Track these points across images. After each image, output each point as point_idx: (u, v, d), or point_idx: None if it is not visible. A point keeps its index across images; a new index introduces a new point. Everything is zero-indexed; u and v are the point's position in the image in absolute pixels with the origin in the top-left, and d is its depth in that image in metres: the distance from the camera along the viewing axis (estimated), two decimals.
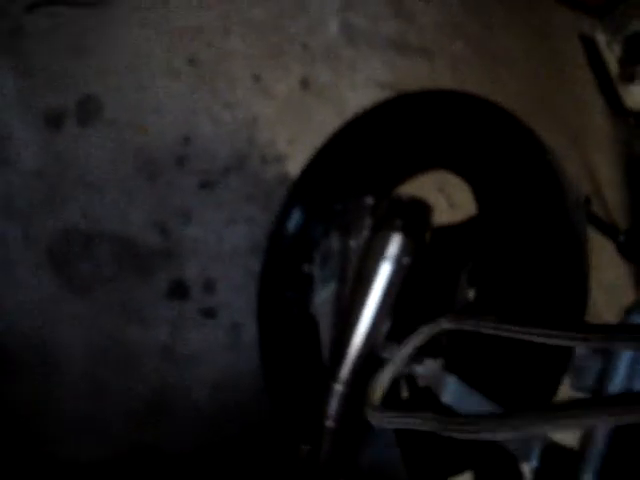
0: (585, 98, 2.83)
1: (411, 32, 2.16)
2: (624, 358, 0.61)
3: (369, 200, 0.89)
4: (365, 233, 0.85)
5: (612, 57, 2.84)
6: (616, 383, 0.61)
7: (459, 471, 0.83)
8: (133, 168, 1.39)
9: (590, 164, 2.58)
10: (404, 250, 0.78)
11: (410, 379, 0.83)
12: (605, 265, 2.21)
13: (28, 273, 1.26)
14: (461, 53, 2.28)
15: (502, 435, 0.52)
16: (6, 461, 1.10)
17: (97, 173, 1.36)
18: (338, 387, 0.81)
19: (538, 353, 0.73)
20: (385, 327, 0.82)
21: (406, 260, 0.78)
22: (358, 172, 1.13)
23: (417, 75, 2.06)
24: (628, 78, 2.77)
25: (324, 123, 1.24)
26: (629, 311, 0.61)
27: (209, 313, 1.36)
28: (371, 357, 0.81)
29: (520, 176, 0.86)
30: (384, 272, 0.78)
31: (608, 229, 2.20)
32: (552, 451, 0.66)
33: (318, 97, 1.76)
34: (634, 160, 2.79)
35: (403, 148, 1.09)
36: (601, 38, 2.85)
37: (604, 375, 0.62)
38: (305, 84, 1.75)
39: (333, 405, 0.81)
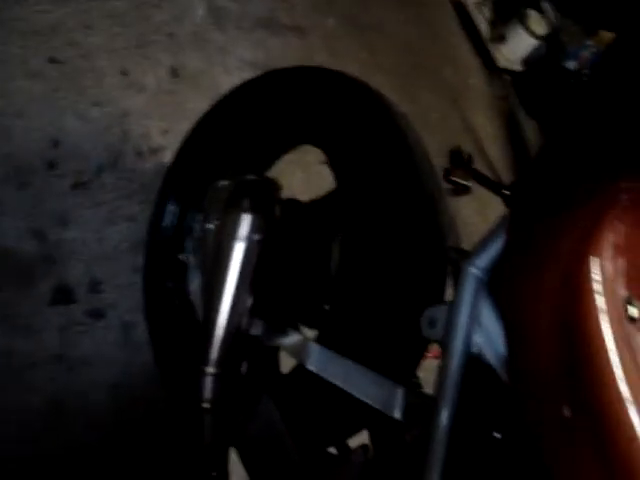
0: (462, 60, 2.93)
1: (281, 10, 2.17)
2: (464, 311, 0.65)
3: (223, 182, 0.90)
4: (218, 215, 0.86)
5: (482, 19, 2.94)
6: (459, 332, 0.66)
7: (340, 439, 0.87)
8: (1, 178, 1.34)
9: (471, 122, 2.68)
10: (254, 228, 0.80)
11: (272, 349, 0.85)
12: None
13: None
14: (334, 29, 2.31)
15: None
16: None
17: None
18: (210, 369, 0.82)
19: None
20: (248, 304, 0.84)
21: (257, 237, 0.80)
22: (224, 155, 1.14)
23: (290, 53, 2.07)
24: (499, 39, 2.88)
25: (198, 110, 1.23)
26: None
27: (97, 314, 1.34)
28: (238, 335, 0.83)
29: (370, 144, 0.89)
30: (238, 252, 0.80)
31: (492, 184, 2.31)
32: (412, 402, 0.70)
33: (190, 85, 1.75)
34: (512, 115, 2.92)
35: (265, 126, 1.10)
36: (470, 2, 2.95)
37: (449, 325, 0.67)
38: (175, 73, 1.73)
39: (207, 387, 0.82)
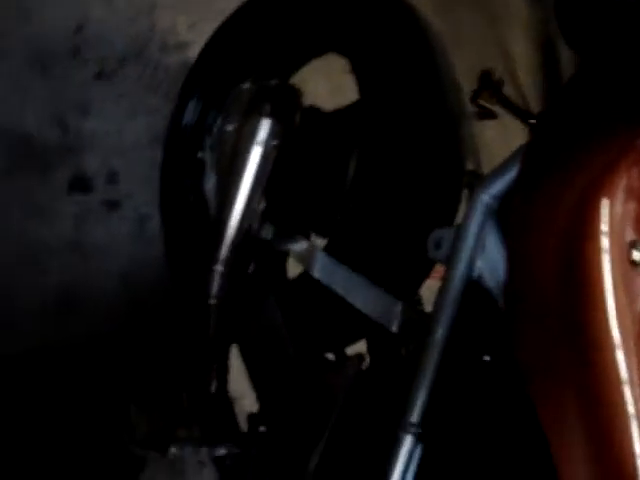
0: None
1: None
2: (470, 236, 0.66)
3: (246, 85, 0.90)
4: (238, 118, 0.86)
5: None
6: (462, 255, 0.67)
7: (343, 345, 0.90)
8: (23, 60, 1.33)
9: (507, 45, 2.60)
10: (273, 134, 0.81)
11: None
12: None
13: None
14: None
15: None
16: None
17: None
18: (218, 267, 0.85)
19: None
20: (260, 208, 0.85)
21: (275, 142, 0.81)
22: (250, 57, 1.13)
23: None
24: None
25: (227, 8, 1.21)
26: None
27: (113, 205, 1.36)
28: (248, 237, 0.85)
29: (395, 57, 0.88)
30: (255, 155, 0.81)
31: (520, 112, 2.27)
32: (410, 318, 0.73)
33: None
34: (550, 42, 2.82)
35: (292, 30, 1.09)
36: None
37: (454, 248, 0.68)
38: None
39: (215, 285, 0.85)
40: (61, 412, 1.18)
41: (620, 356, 0.50)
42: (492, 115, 2.20)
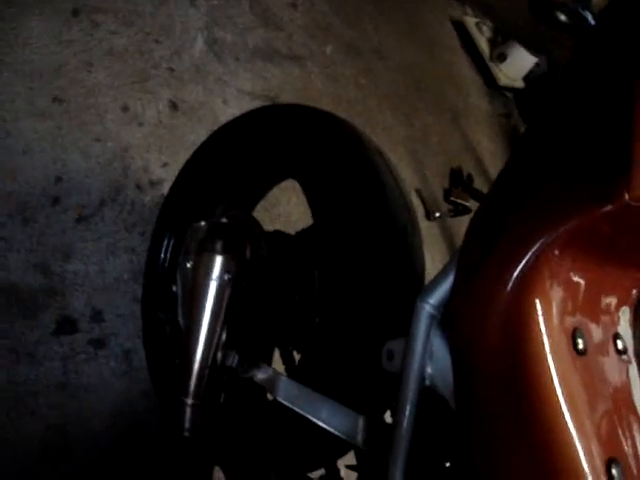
0: (462, 80, 2.97)
1: (279, 39, 2.24)
2: (418, 346, 0.69)
3: (200, 224, 0.95)
4: (194, 255, 0.91)
5: (483, 39, 2.99)
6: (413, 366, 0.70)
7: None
8: (6, 214, 1.41)
9: (472, 142, 2.72)
10: (225, 269, 0.85)
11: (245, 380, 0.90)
12: None
13: None
14: (332, 55, 2.37)
15: None
16: None
17: None
18: (188, 400, 0.87)
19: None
20: (222, 338, 0.89)
21: (228, 277, 0.85)
22: (215, 189, 1.19)
23: (289, 82, 2.13)
24: (499, 58, 2.92)
25: (197, 142, 1.29)
26: None
27: (99, 343, 1.40)
28: (214, 367, 0.88)
29: (341, 179, 0.94)
30: (211, 291, 0.85)
31: None
32: (373, 431, 0.74)
33: (189, 117, 1.82)
34: (514, 132, 2.95)
35: (250, 160, 1.15)
36: (470, 21, 2.99)
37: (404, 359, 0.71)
38: (174, 106, 1.80)
39: (187, 417, 0.87)
40: None
41: (579, 449, 0.50)
42: (467, 210, 2.28)
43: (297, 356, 1.01)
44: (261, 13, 2.25)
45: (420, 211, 2.24)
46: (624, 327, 0.65)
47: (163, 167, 1.66)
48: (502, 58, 2.93)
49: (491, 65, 2.94)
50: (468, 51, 3.02)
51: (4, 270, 1.36)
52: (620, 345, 0.60)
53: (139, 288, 1.38)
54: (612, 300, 0.63)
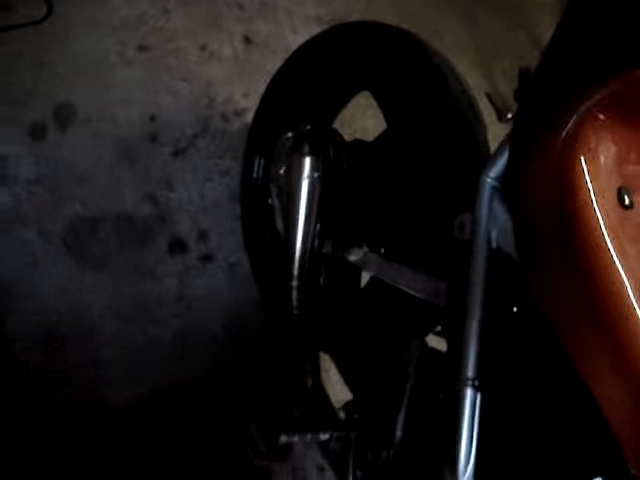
0: None
1: None
2: (484, 215, 0.81)
3: (287, 135, 1.09)
4: (286, 161, 1.06)
5: None
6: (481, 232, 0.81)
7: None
8: (114, 156, 1.60)
9: (539, 38, 2.68)
10: (314, 168, 0.99)
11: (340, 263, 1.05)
12: None
13: (51, 263, 1.50)
14: None
15: None
16: (62, 413, 1.37)
17: (85, 167, 1.58)
18: (293, 282, 1.03)
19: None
20: (317, 228, 1.04)
21: (317, 174, 0.99)
22: (296, 108, 1.32)
23: (353, 3, 2.19)
24: None
25: (273, 71, 1.42)
26: None
27: (208, 259, 1.59)
28: (312, 254, 1.04)
29: (409, 86, 1.05)
30: (304, 188, 1.00)
31: None
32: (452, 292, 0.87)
33: (263, 49, 1.93)
34: None
35: (326, 77, 1.27)
36: None
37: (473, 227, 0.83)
38: (248, 41, 1.92)
39: (294, 298, 1.03)
40: (192, 439, 1.39)
41: (628, 292, 0.57)
42: None
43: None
44: None
45: (492, 114, 2.29)
46: None
47: (244, 97, 1.79)
48: None
49: None
50: None
51: (120, 203, 1.56)
52: None
53: (237, 207, 1.54)
54: None
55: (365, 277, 1.16)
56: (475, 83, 2.24)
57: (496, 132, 1.11)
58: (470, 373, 0.80)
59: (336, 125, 1.39)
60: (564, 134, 0.63)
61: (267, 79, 1.42)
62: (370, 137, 1.19)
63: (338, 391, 1.18)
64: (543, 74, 0.75)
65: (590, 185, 0.61)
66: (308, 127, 1.05)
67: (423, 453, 0.87)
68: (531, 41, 2.61)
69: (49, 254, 1.51)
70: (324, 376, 1.19)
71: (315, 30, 2.02)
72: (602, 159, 0.64)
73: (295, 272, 1.04)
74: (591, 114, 0.61)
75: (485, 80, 2.37)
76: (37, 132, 1.57)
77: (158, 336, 1.49)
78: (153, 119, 1.65)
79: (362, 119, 1.85)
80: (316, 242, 1.05)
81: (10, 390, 1.36)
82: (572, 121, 0.61)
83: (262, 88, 1.44)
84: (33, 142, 1.55)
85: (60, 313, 1.45)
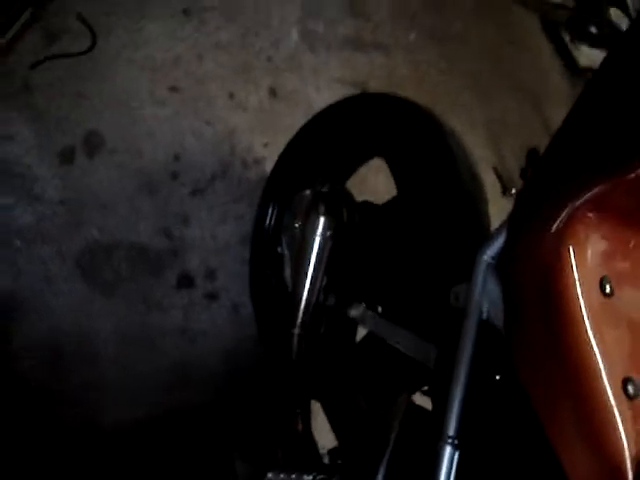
0: (543, 63, 3.05)
1: (367, 29, 2.41)
2: (478, 288, 0.89)
3: (306, 192, 1.18)
4: (301, 217, 1.15)
5: (564, 20, 3.05)
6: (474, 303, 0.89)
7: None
8: (136, 187, 1.69)
9: (551, 124, 2.81)
10: (327, 227, 1.08)
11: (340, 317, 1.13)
12: None
13: (64, 283, 1.57)
14: (415, 42, 2.53)
15: None
16: (61, 433, 1.42)
17: (107, 195, 1.66)
18: (296, 330, 1.11)
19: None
20: (323, 282, 1.12)
21: (329, 233, 1.08)
22: (312, 166, 1.41)
23: (375, 70, 2.32)
24: (579, 40, 2.98)
25: (294, 125, 1.50)
26: None
27: (213, 297, 1.67)
28: (316, 305, 1.11)
29: (419, 157, 1.14)
30: (316, 245, 1.08)
31: None
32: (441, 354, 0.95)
33: (287, 103, 2.04)
34: None
35: (346, 143, 1.37)
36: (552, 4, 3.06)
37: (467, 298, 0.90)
38: (273, 93, 2.03)
39: (295, 345, 1.11)
40: (182, 466, 1.44)
41: (600, 367, 0.62)
42: None
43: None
44: (349, 4, 2.43)
45: (497, 188, 2.39)
46: None
47: (265, 147, 1.89)
48: (581, 39, 2.97)
49: (571, 47, 3.00)
50: (549, 34, 3.08)
51: (136, 233, 1.64)
52: None
53: (246, 251, 1.61)
54: None
55: (361, 332, 1.24)
56: (483, 156, 2.36)
57: (499, 205, 1.20)
58: (451, 432, 0.86)
59: (349, 184, 1.49)
60: (556, 226, 0.70)
61: (287, 131, 1.51)
62: (380, 198, 1.28)
63: (323, 438, 1.23)
64: (543, 165, 0.84)
65: (575, 273, 0.66)
66: (325, 188, 1.14)
67: None
68: (542, 122, 2.73)
69: (63, 274, 1.58)
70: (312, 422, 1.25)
71: (337, 89, 2.16)
72: (589, 251, 0.70)
73: (298, 320, 1.11)
74: (581, 210, 0.67)
75: (493, 154, 2.48)
76: (66, 156, 1.66)
77: (159, 365, 1.55)
78: (177, 158, 1.74)
79: (374, 181, 1.95)
80: (321, 295, 1.13)
81: (13, 406, 1.42)
82: (563, 215, 0.67)
83: (282, 139, 1.53)
84: (62, 165, 1.64)
85: (68, 333, 1.52)
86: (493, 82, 2.73)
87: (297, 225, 1.17)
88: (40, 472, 1.40)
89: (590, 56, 2.96)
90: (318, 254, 1.09)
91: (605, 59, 0.78)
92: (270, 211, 1.47)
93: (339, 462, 1.06)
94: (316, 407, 1.24)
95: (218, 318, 1.65)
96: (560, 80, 3.00)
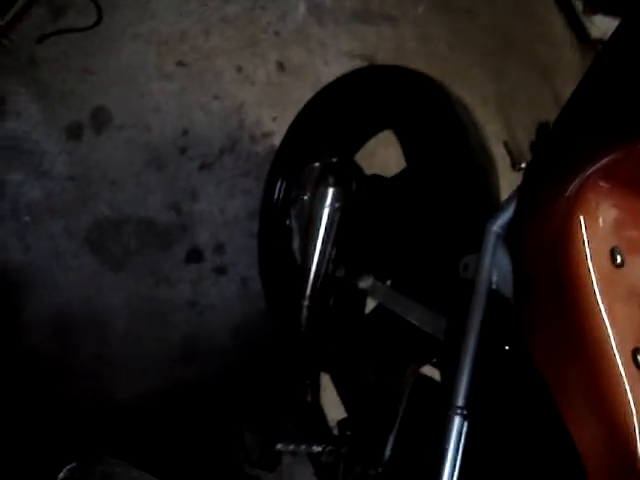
0: (554, 36, 3.00)
1: (374, 2, 2.39)
2: (487, 258, 0.88)
3: (314, 165, 1.17)
4: (311, 189, 1.14)
5: None
6: (483, 274, 0.89)
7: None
8: (144, 162, 1.68)
9: (562, 95, 2.77)
10: (336, 198, 1.07)
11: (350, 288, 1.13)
12: None
13: (73, 259, 1.58)
14: (424, 15, 2.50)
15: None
16: (72, 406, 1.44)
17: (116, 171, 1.66)
18: (305, 302, 1.11)
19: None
20: (332, 254, 1.11)
21: (338, 205, 1.07)
22: (322, 139, 1.40)
23: (383, 42, 2.29)
24: (592, 10, 2.93)
25: (302, 98, 1.49)
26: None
27: (221, 271, 1.67)
28: (325, 277, 1.11)
29: (428, 128, 1.12)
30: (325, 216, 1.08)
31: None
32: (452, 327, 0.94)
33: (295, 76, 2.02)
34: None
35: (352, 114, 1.35)
36: None
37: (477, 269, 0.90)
38: (281, 67, 2.01)
39: (303, 315, 1.11)
40: (191, 438, 1.46)
41: (610, 337, 0.61)
42: None
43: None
44: None
45: (507, 162, 2.37)
46: None
47: (273, 121, 1.88)
48: (594, 11, 2.93)
49: (584, 18, 2.95)
50: (560, 6, 3.03)
51: (144, 208, 1.64)
52: None
53: (254, 225, 1.61)
54: None
55: (371, 304, 1.24)
56: (494, 130, 2.33)
57: (510, 179, 1.19)
58: (460, 402, 0.86)
59: (358, 157, 1.48)
60: (567, 195, 0.69)
61: (296, 105, 1.50)
62: (389, 172, 1.27)
63: (332, 410, 1.24)
64: (553, 136, 0.82)
65: (586, 243, 0.65)
66: (334, 160, 1.13)
67: (409, 474, 0.94)
68: (553, 96, 2.70)
69: (72, 249, 1.59)
70: (322, 394, 1.26)
71: (345, 63, 2.14)
72: (600, 221, 0.69)
73: (308, 292, 1.11)
74: (592, 179, 0.66)
75: (504, 128, 2.46)
76: (73, 132, 1.66)
77: (168, 338, 1.57)
78: (184, 132, 1.74)
79: (384, 154, 1.93)
80: (330, 267, 1.13)
81: (23, 379, 1.43)
82: (574, 184, 0.67)
83: (290, 113, 1.52)
84: (69, 141, 1.64)
85: (77, 308, 1.53)
86: (503, 56, 2.70)
87: (306, 197, 1.16)
88: (51, 444, 1.41)
89: (602, 27, 2.91)
90: (327, 226, 1.09)
91: (617, 28, 0.77)
92: (279, 184, 1.46)
93: (348, 433, 1.06)
94: (325, 380, 1.24)
95: (227, 292, 1.66)
96: (571, 53, 2.96)
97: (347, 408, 1.14)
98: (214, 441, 1.48)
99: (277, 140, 1.75)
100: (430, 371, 1.06)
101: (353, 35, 2.21)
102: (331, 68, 2.09)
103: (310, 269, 1.10)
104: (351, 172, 1.12)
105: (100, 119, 1.69)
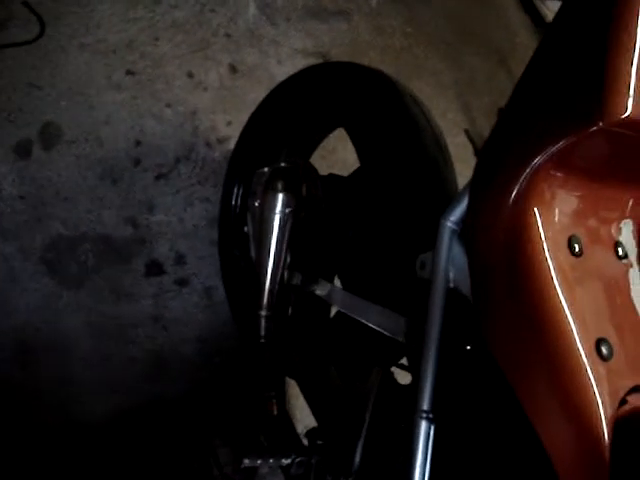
0: (509, 20, 3.01)
1: None
2: (443, 256, 0.86)
3: (264, 170, 1.14)
4: (260, 195, 1.10)
5: None
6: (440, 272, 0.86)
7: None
8: (98, 177, 1.64)
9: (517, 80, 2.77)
10: (286, 204, 1.04)
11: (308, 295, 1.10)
12: None
13: (29, 279, 1.53)
14: (378, 7, 2.48)
15: None
16: (38, 429, 1.39)
17: (69, 187, 1.61)
18: (262, 312, 1.07)
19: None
20: (287, 260, 1.08)
21: (288, 210, 1.04)
22: (275, 141, 1.37)
23: (337, 37, 2.26)
24: None
25: (257, 100, 1.46)
26: None
27: (183, 282, 1.63)
28: (281, 285, 1.08)
29: (383, 127, 1.09)
30: (275, 223, 1.04)
31: None
32: (411, 327, 0.92)
33: (248, 78, 1.99)
34: None
35: (307, 114, 1.32)
36: None
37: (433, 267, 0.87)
38: (234, 69, 1.97)
39: (262, 326, 1.07)
40: (162, 456, 1.42)
41: (572, 328, 0.60)
42: None
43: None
44: None
45: (470, 149, 2.36)
46: (626, 237, 0.76)
47: (228, 125, 1.84)
48: None
49: (538, 3, 2.96)
50: None
51: (100, 224, 1.60)
52: (620, 252, 0.70)
53: (215, 233, 1.58)
54: (610, 213, 0.73)
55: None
56: (454, 119, 2.32)
57: (473, 167, 1.16)
58: (425, 406, 0.84)
59: (318, 155, 1.45)
60: (518, 186, 0.67)
61: (251, 108, 1.47)
62: (349, 170, 1.24)
63: (307, 417, 1.21)
64: (501, 124, 0.80)
65: (542, 234, 0.65)
66: (283, 164, 1.10)
67: None
68: (511, 81, 2.70)
69: (27, 271, 1.54)
70: (295, 402, 1.23)
71: (300, 61, 2.11)
72: (555, 210, 0.68)
73: (264, 302, 1.08)
74: (545, 167, 0.65)
75: (464, 116, 2.45)
76: (22, 150, 1.61)
77: (132, 356, 1.53)
78: (137, 143, 1.70)
79: (343, 151, 1.91)
80: (286, 274, 1.09)
81: None
82: (525, 174, 0.65)
83: (245, 116, 1.49)
84: (18, 160, 1.59)
85: (36, 329, 1.48)
86: (460, 43, 2.69)
87: (256, 204, 1.13)
88: (19, 467, 1.37)
89: (556, 10, 2.90)
90: (279, 232, 1.06)
91: (560, 9, 0.75)
92: (235, 190, 1.43)
93: (318, 442, 1.03)
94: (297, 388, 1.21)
95: (190, 304, 1.62)
96: (528, 37, 2.96)
97: (316, 416, 1.11)
98: (186, 457, 1.44)
99: (232, 145, 1.72)
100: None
101: (306, 32, 2.18)
102: (285, 67, 2.06)
103: (265, 278, 1.07)
104: (302, 175, 1.09)
105: (50, 135, 1.64)
